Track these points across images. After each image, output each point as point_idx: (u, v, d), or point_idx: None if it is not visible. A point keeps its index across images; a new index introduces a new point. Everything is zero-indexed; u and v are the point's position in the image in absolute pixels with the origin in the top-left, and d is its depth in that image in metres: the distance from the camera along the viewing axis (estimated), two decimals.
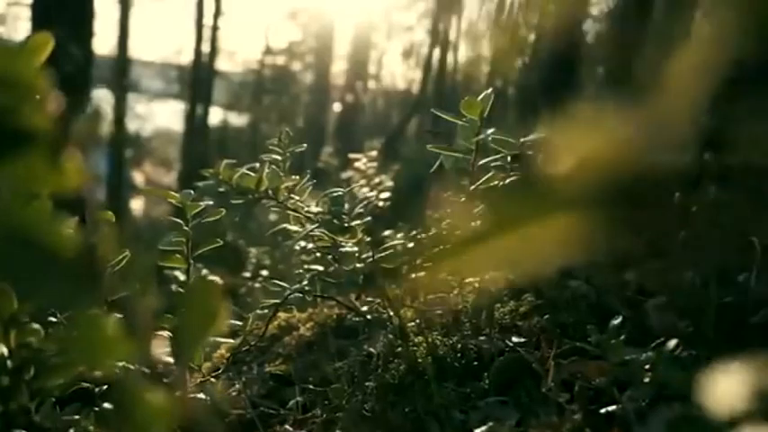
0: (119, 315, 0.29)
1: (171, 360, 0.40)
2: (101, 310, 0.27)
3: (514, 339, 1.08)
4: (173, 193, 1.07)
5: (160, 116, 18.38)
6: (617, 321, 0.92)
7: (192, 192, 1.08)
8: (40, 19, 6.22)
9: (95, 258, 0.26)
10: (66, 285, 0.26)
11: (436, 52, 10.86)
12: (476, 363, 1.08)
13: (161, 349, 0.38)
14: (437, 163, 1.14)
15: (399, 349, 1.14)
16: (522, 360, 1.02)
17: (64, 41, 5.16)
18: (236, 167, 1.16)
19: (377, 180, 2.61)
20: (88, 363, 0.31)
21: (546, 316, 1.15)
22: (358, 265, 1.19)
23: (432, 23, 12.18)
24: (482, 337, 1.12)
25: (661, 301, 1.09)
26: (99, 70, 10.01)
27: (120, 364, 0.32)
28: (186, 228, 1.04)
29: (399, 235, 1.75)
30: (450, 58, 11.84)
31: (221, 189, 1.13)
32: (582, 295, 1.22)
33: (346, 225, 1.12)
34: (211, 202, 1.10)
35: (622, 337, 0.88)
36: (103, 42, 13.48)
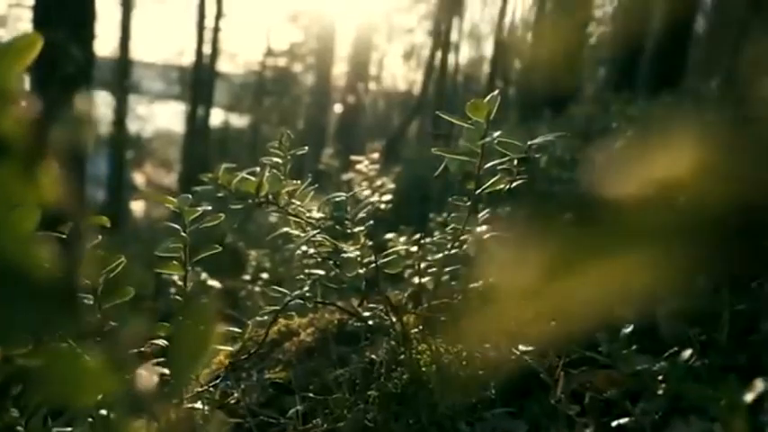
0: (101, 344, 0.26)
1: (166, 376, 0.38)
2: (81, 339, 0.24)
3: (521, 347, 1.06)
4: (171, 198, 1.04)
5: (161, 117, 18.41)
6: (628, 330, 0.90)
7: (190, 196, 1.05)
8: (41, 20, 6.20)
9: (74, 283, 0.23)
10: (41, 312, 0.23)
11: (437, 54, 10.84)
12: (482, 371, 1.05)
13: (154, 369, 0.35)
14: (441, 166, 1.11)
15: (402, 357, 1.11)
16: (529, 369, 0.99)
17: (65, 43, 5.14)
18: (236, 170, 1.13)
19: (378, 182, 2.58)
20: (66, 398, 0.28)
21: (553, 323, 1.12)
22: (360, 271, 1.16)
23: (433, 25, 12.16)
24: (488, 345, 1.09)
25: (672, 308, 1.06)
26: (100, 71, 10.00)
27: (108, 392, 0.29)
28: (184, 234, 1.01)
29: (402, 239, 1.72)
30: (451, 59, 11.83)
31: (220, 194, 1.10)
32: None
33: (349, 231, 1.10)
34: (210, 207, 1.07)
35: (634, 347, 0.86)
36: (105, 44, 13.52)
